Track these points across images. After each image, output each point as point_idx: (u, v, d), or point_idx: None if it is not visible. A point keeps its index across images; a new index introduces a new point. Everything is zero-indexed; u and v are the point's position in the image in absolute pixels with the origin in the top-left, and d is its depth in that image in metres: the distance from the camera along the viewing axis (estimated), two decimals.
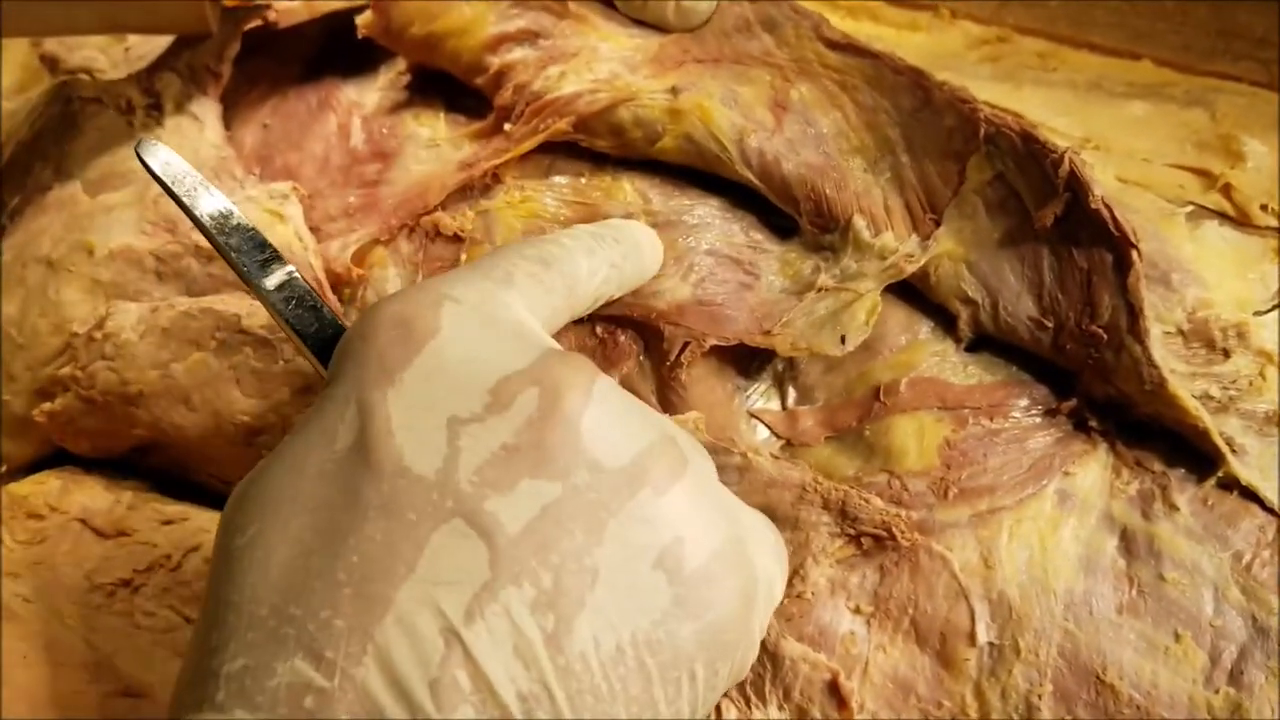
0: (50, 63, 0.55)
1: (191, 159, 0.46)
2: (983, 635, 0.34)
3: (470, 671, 0.25)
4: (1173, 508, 0.36)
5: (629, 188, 0.42)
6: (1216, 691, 0.33)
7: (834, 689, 0.34)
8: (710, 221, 0.41)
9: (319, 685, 0.24)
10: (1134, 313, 0.36)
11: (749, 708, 0.34)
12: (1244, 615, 0.34)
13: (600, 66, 0.44)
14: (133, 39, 0.56)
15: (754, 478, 0.36)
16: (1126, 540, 0.35)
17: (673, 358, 0.38)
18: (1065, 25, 0.53)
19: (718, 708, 0.34)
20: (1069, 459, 0.37)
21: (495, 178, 0.44)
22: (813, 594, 0.35)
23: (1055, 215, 0.37)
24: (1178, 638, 0.34)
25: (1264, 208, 0.42)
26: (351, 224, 0.45)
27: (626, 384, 0.39)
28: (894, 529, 0.35)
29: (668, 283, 0.39)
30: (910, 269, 0.39)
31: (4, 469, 0.47)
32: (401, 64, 0.50)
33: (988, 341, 0.39)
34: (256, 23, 0.50)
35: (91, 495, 0.44)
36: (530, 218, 0.42)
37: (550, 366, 0.28)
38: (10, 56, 0.61)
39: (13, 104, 0.55)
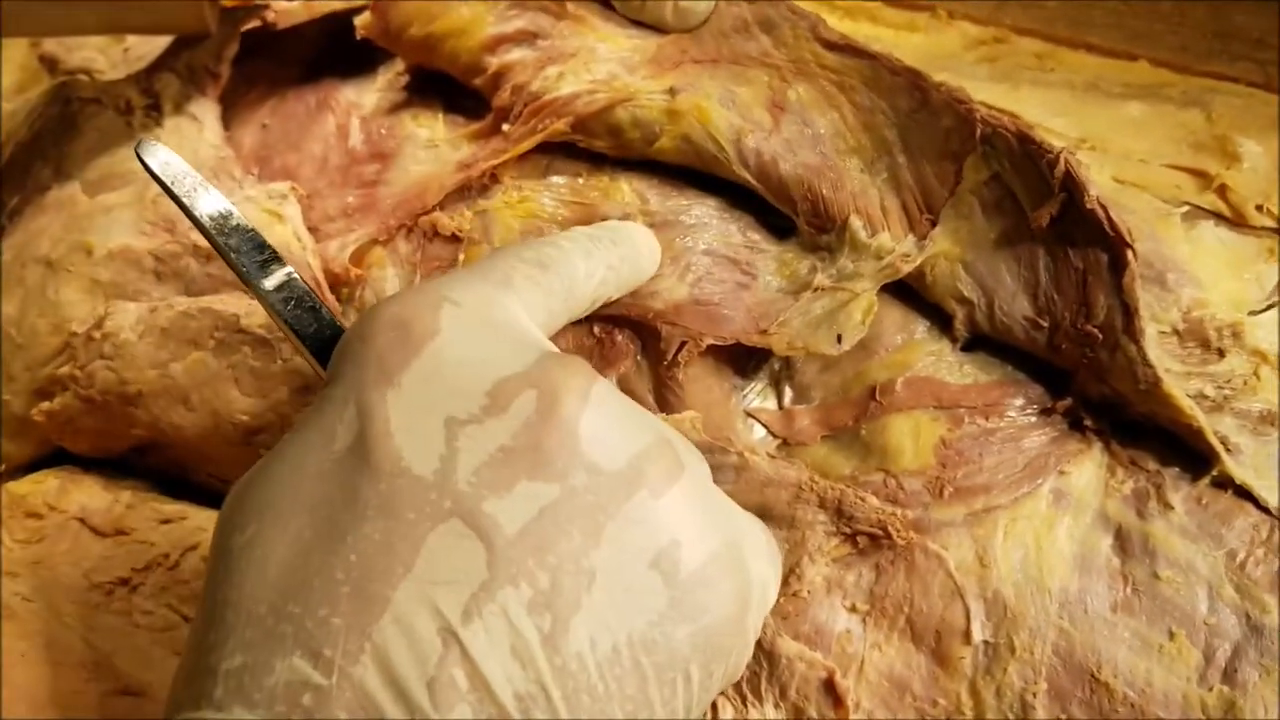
0: (49, 63, 0.55)
1: (190, 159, 0.46)
2: (978, 634, 0.34)
3: (467, 671, 0.25)
4: (1167, 507, 0.36)
5: (627, 188, 0.42)
6: (1210, 689, 0.33)
7: (830, 687, 0.34)
8: (707, 221, 0.41)
9: (317, 683, 0.24)
10: (1129, 312, 0.36)
11: (745, 706, 0.34)
12: (1238, 613, 0.34)
13: (598, 67, 0.44)
14: (131, 40, 0.56)
15: (750, 477, 0.36)
16: (1121, 539, 0.36)
17: (670, 357, 0.39)
18: (1063, 26, 0.54)
19: (714, 706, 0.34)
20: (1064, 458, 0.37)
21: (493, 178, 0.44)
22: (809, 592, 0.35)
23: (1051, 215, 0.37)
24: (1172, 636, 0.34)
25: (1259, 208, 0.42)
26: (350, 224, 0.45)
27: (624, 383, 0.40)
28: (890, 528, 0.35)
29: (665, 282, 0.39)
30: (906, 269, 0.39)
31: (3, 468, 0.47)
32: (400, 65, 0.50)
33: (983, 341, 0.39)
34: (255, 23, 0.50)
35: (90, 494, 0.44)
36: (528, 218, 0.42)
37: (548, 369, 0.28)
38: (10, 57, 0.61)
39: (12, 104, 0.55)
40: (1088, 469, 0.37)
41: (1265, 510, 0.35)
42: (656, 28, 0.46)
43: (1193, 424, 0.36)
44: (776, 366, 0.40)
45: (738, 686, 0.35)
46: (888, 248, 0.39)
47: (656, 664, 0.27)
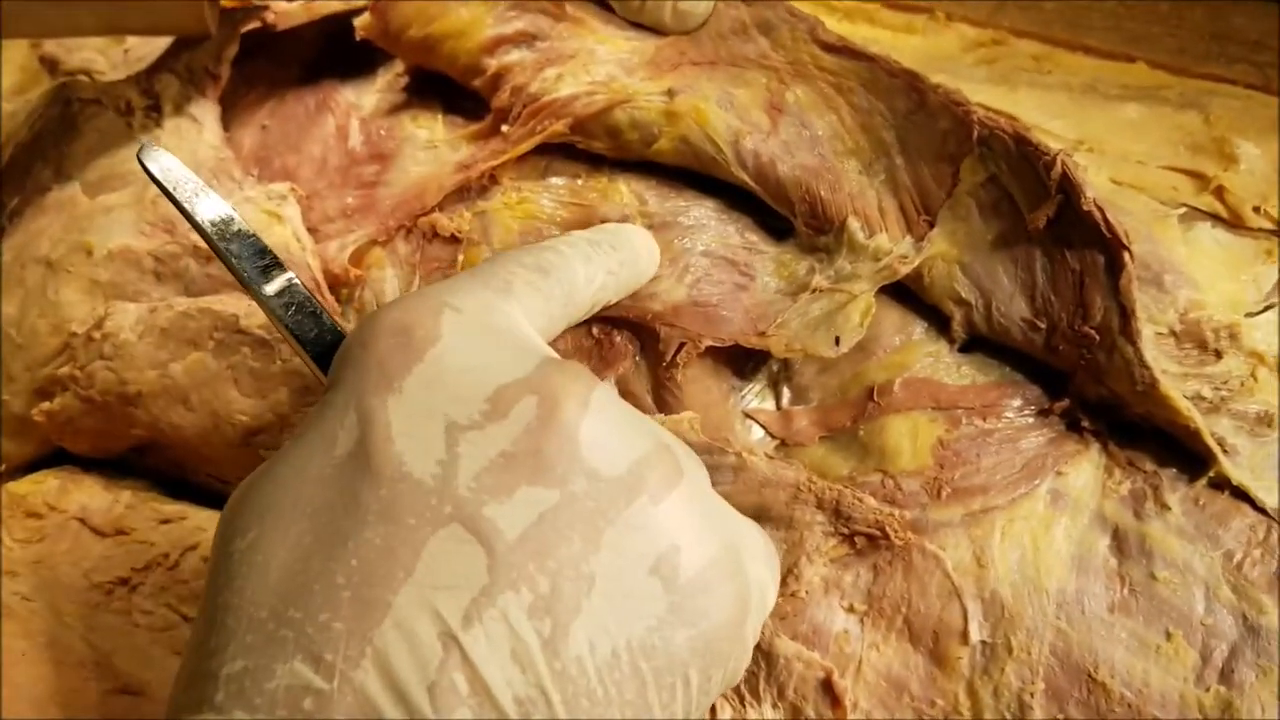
0: (50, 64, 0.55)
1: (190, 160, 0.46)
2: (975, 634, 0.34)
3: (468, 675, 0.25)
4: (1164, 507, 0.36)
5: (625, 189, 0.43)
6: (1207, 690, 0.33)
7: (828, 687, 0.34)
8: (706, 223, 0.42)
9: (318, 687, 0.24)
10: (1126, 314, 0.37)
11: (743, 706, 0.35)
12: (1235, 614, 0.34)
13: (597, 69, 0.44)
14: (132, 41, 0.56)
15: (749, 477, 0.36)
16: (1118, 539, 0.36)
17: (668, 358, 0.39)
18: (1061, 28, 0.54)
19: (712, 707, 0.34)
20: (1061, 459, 0.37)
21: (492, 179, 0.44)
22: (807, 593, 0.35)
23: (1048, 217, 0.37)
24: (1169, 636, 0.34)
25: (1257, 210, 0.42)
26: (349, 225, 0.45)
27: (622, 384, 0.40)
28: (887, 528, 0.35)
29: (664, 284, 0.40)
30: (904, 270, 0.39)
31: (3, 468, 0.47)
32: (399, 66, 0.50)
33: (981, 342, 0.39)
34: (255, 25, 0.50)
35: (90, 494, 0.44)
36: (527, 219, 0.43)
37: (548, 375, 0.29)
38: (10, 58, 0.61)
39: (12, 105, 0.55)
40: (1085, 470, 0.37)
41: (1262, 511, 0.36)
42: (655, 30, 0.46)
43: (1190, 425, 0.36)
44: (775, 367, 0.40)
45: (736, 687, 0.35)
46: (885, 249, 0.39)
47: (656, 669, 0.27)
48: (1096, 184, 0.41)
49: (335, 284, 0.44)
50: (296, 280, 0.34)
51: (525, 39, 0.45)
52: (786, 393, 0.40)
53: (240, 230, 0.34)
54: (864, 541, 0.36)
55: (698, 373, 0.39)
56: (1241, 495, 0.36)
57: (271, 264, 0.34)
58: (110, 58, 0.55)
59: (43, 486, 0.45)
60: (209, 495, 0.45)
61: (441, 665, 0.25)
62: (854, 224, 0.40)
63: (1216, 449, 0.36)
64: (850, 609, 0.35)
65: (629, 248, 0.38)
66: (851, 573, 0.36)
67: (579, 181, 0.43)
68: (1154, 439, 0.37)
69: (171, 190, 0.34)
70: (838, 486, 0.36)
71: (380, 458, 0.27)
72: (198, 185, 0.34)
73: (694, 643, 0.28)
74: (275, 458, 0.29)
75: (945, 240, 0.39)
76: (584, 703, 0.26)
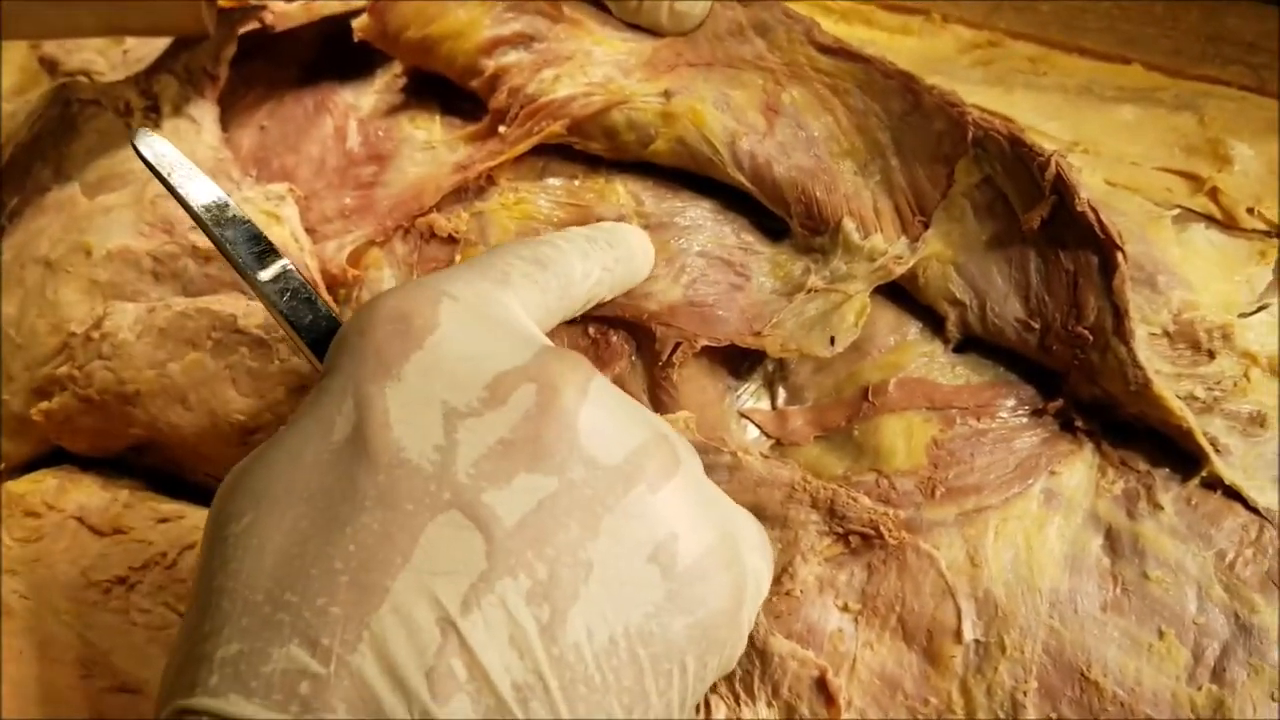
0: (49, 65, 0.55)
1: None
2: (969, 633, 0.35)
3: (466, 661, 0.25)
4: (1157, 507, 0.36)
5: (622, 190, 0.43)
6: (1199, 688, 0.33)
7: (822, 686, 0.34)
8: (702, 223, 0.42)
9: (314, 671, 0.24)
10: (1119, 314, 0.37)
11: (738, 705, 0.35)
12: (1227, 613, 0.34)
13: (594, 70, 0.44)
14: (131, 41, 0.56)
15: (744, 476, 0.36)
16: (1111, 539, 0.36)
17: (664, 358, 0.39)
18: (1056, 30, 0.54)
19: (707, 705, 0.35)
20: (1055, 459, 0.37)
21: (490, 180, 0.44)
22: (801, 591, 0.35)
23: (1042, 218, 0.38)
24: (1161, 635, 0.34)
25: (1250, 211, 0.42)
26: (347, 225, 0.45)
27: (619, 384, 0.40)
28: (882, 527, 0.36)
29: (660, 284, 0.40)
30: (899, 271, 0.39)
31: (2, 467, 0.47)
32: (397, 67, 0.50)
33: (975, 342, 0.40)
34: (253, 25, 0.50)
35: (88, 493, 0.44)
36: (524, 219, 0.43)
37: (547, 363, 0.29)
38: (9, 59, 0.62)
39: (12, 106, 0.55)
40: (1078, 469, 0.37)
41: (1254, 510, 0.36)
42: (652, 31, 0.46)
43: (1183, 425, 0.36)
44: (770, 367, 0.40)
45: (731, 685, 0.35)
46: (880, 250, 0.39)
47: (653, 655, 0.27)
48: (1091, 185, 0.41)
49: (333, 284, 0.44)
50: (292, 267, 0.33)
51: (523, 40, 0.46)
52: (782, 392, 0.40)
53: (235, 216, 0.34)
54: (858, 541, 0.36)
55: (693, 372, 0.39)
56: (1234, 495, 0.36)
57: (266, 250, 0.33)
58: (110, 58, 0.55)
59: (41, 486, 0.45)
60: (207, 494, 0.44)
61: (439, 651, 0.25)
62: (849, 224, 0.40)
63: (1209, 449, 0.36)
64: (845, 608, 0.36)
65: (625, 245, 0.38)
66: (846, 572, 0.36)
67: (576, 182, 0.43)
68: (1147, 439, 0.37)
69: (166, 175, 0.34)
70: (832, 486, 0.36)
71: (378, 443, 0.27)
72: (192, 170, 0.34)
73: (691, 630, 0.28)
74: (270, 443, 0.29)
75: (940, 241, 0.39)
76: (581, 689, 0.26)
